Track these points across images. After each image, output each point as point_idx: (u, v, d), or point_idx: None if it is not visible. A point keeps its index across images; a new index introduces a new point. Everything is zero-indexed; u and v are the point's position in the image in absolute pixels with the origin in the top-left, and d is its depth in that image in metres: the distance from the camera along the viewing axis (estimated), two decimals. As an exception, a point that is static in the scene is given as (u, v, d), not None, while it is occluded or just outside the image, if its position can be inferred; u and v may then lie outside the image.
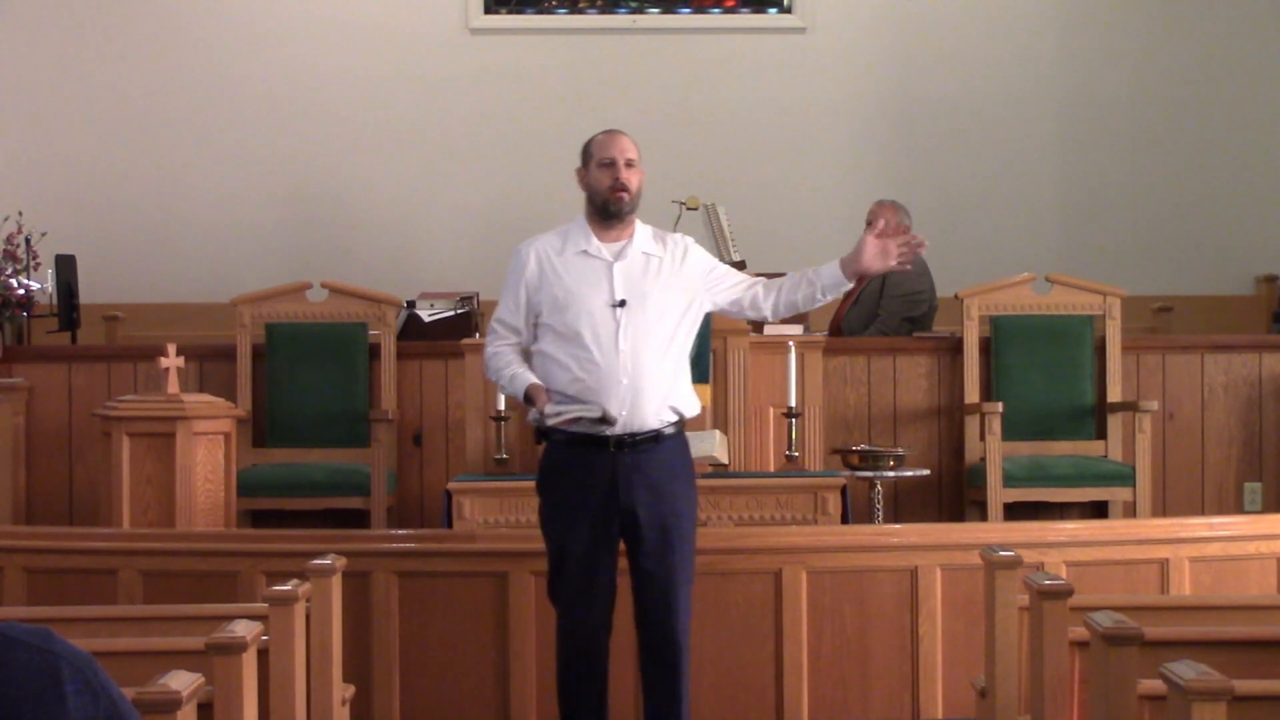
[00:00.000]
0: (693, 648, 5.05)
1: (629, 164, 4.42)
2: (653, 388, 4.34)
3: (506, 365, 4.44)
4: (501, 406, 5.74)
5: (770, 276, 7.03)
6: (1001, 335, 7.06)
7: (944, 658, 5.15)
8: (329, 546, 4.68)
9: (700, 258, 4.52)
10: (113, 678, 1.75)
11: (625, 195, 4.40)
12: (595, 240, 4.43)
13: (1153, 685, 3.12)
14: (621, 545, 4.41)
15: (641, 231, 4.49)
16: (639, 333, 4.34)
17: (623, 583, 4.44)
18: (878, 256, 4.45)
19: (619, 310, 4.34)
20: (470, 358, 6.11)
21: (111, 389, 6.93)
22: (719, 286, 4.52)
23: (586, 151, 4.49)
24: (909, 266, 4.57)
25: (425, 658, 5.12)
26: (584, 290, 4.37)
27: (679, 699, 4.36)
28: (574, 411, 4.29)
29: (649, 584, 4.35)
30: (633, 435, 4.33)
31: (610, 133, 4.51)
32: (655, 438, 4.36)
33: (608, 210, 4.41)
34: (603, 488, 4.32)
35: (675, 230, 6.35)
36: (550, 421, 4.30)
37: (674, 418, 4.41)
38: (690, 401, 4.48)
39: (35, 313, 7.50)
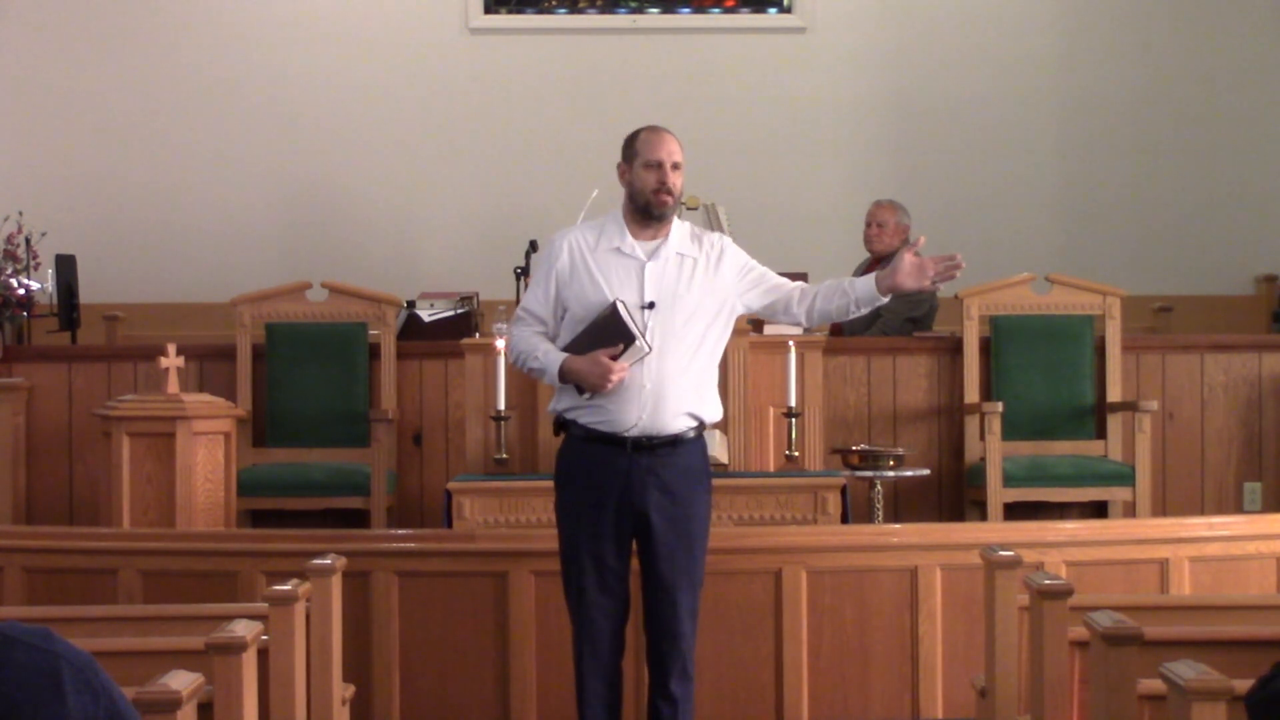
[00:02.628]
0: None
1: (675, 166, 4.36)
2: (675, 393, 4.30)
3: (536, 348, 4.37)
4: (501, 406, 5.73)
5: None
6: (1001, 335, 7.06)
7: (944, 658, 5.15)
8: (329, 546, 4.68)
9: (735, 259, 4.44)
10: (113, 678, 1.75)
11: (669, 200, 4.35)
12: (630, 238, 4.38)
13: (1153, 685, 3.12)
14: (634, 546, 4.39)
15: (678, 231, 4.43)
16: (665, 336, 4.30)
17: (635, 585, 4.43)
18: (913, 275, 4.37)
19: (647, 312, 4.30)
20: (470, 358, 6.11)
21: (111, 389, 6.93)
22: (755, 289, 4.46)
23: (630, 148, 4.42)
24: (939, 287, 4.53)
25: (425, 658, 5.12)
26: (614, 289, 4.32)
27: (679, 700, 4.34)
28: (626, 361, 4.24)
29: (658, 587, 4.33)
30: (650, 439, 4.30)
31: (657, 131, 4.43)
32: (673, 442, 4.32)
33: (649, 212, 4.36)
34: (616, 488, 4.30)
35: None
36: (615, 378, 4.23)
37: (694, 423, 4.37)
38: (714, 407, 4.43)
39: (35, 313, 7.50)
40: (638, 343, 4.24)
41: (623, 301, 4.29)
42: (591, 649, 4.33)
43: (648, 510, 4.30)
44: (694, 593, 4.36)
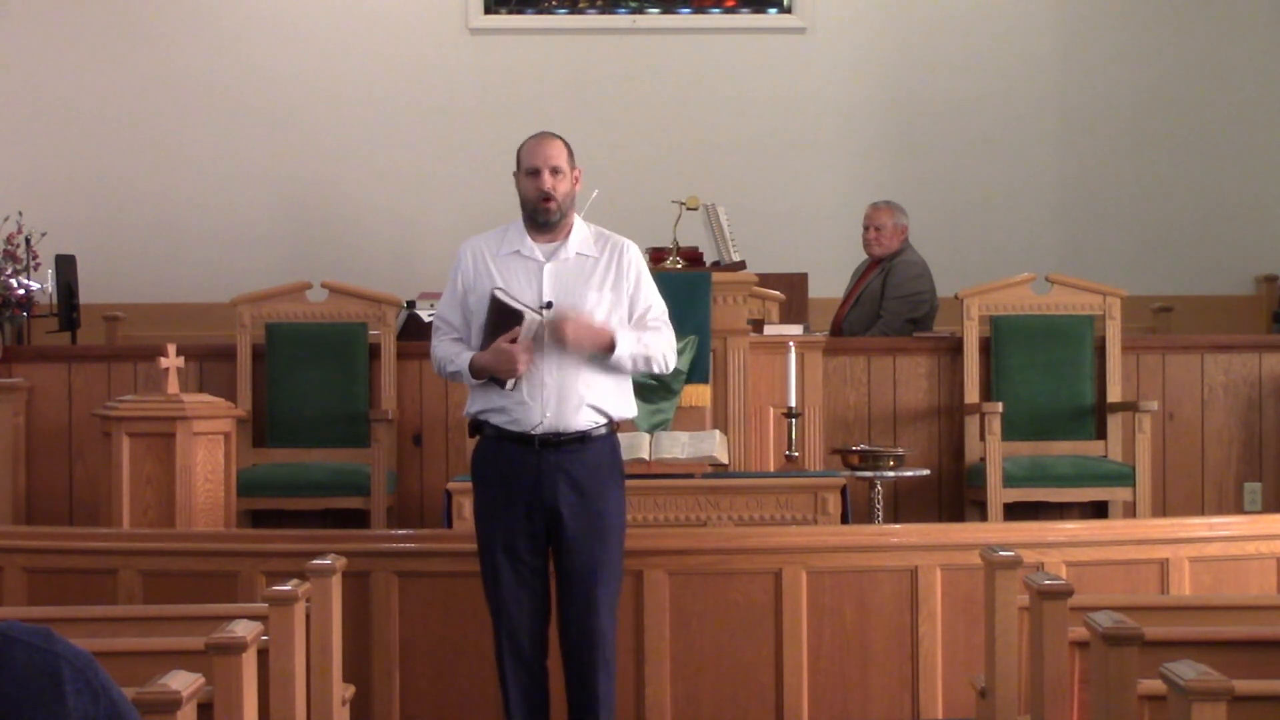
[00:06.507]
0: (693, 648, 5.07)
1: (555, 171, 4.43)
2: (578, 389, 4.38)
3: (450, 352, 4.49)
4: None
5: (769, 276, 7.05)
6: (1001, 335, 7.05)
7: (944, 658, 5.15)
8: (329, 546, 4.68)
9: (632, 268, 4.49)
10: (113, 678, 1.75)
11: (552, 205, 4.43)
12: (529, 241, 4.48)
13: (1153, 685, 3.12)
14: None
15: (580, 232, 4.51)
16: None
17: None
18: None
19: (545, 312, 4.37)
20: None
21: (111, 389, 6.93)
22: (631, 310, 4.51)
23: (518, 157, 4.52)
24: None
25: (425, 658, 5.12)
26: (513, 290, 4.40)
27: (600, 696, 4.39)
28: (524, 337, 4.29)
29: (572, 581, 4.40)
30: (558, 435, 4.38)
31: (539, 138, 4.51)
32: (581, 438, 4.41)
33: (535, 219, 4.46)
34: (527, 485, 4.38)
35: (675, 229, 6.39)
36: (521, 356, 4.29)
37: (602, 420, 4.44)
38: (622, 403, 4.50)
39: (35, 313, 7.49)
40: (527, 316, 4.32)
41: (499, 288, 4.37)
42: (513, 647, 4.41)
43: (558, 506, 4.38)
44: (610, 586, 4.43)
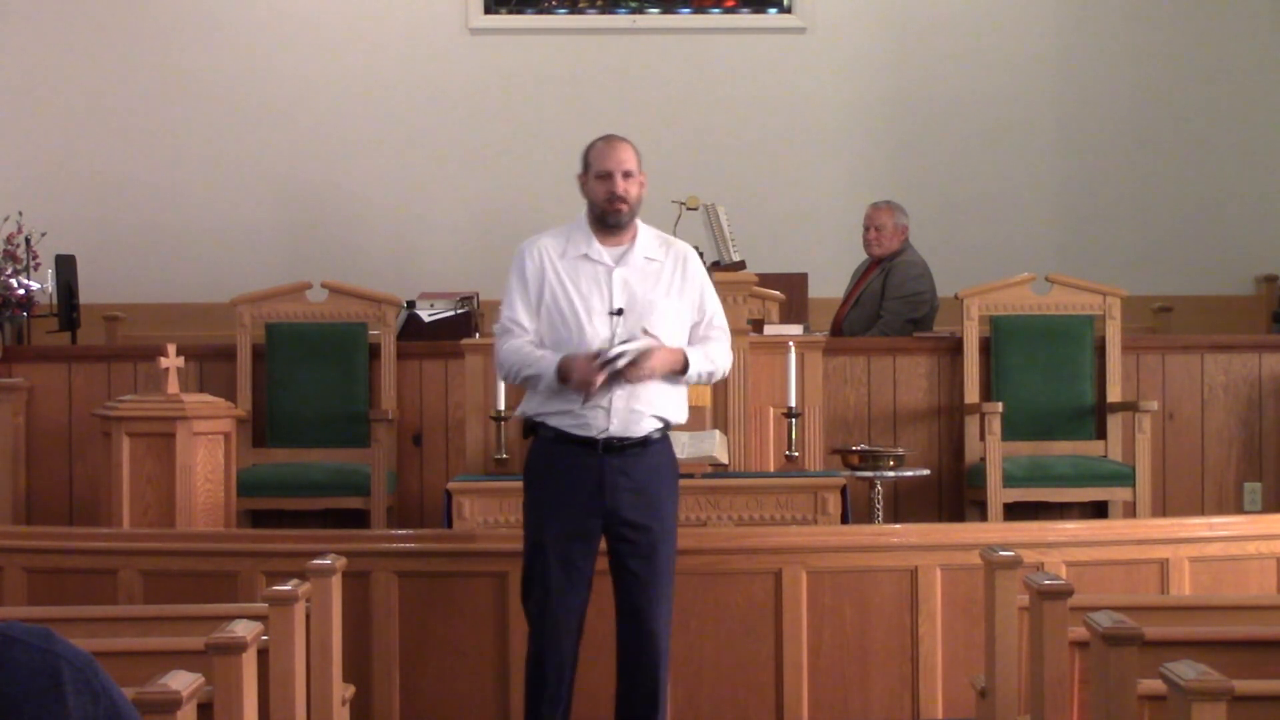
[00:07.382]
0: (693, 648, 5.08)
1: (627, 175, 4.45)
2: (646, 397, 4.40)
3: (530, 355, 4.42)
4: (501, 406, 5.73)
5: (769, 276, 7.05)
6: (1001, 335, 7.06)
7: (944, 658, 5.15)
8: (329, 546, 4.68)
9: (697, 274, 4.55)
10: (113, 678, 1.75)
11: (624, 208, 4.45)
12: (596, 244, 4.47)
13: (1153, 685, 3.12)
14: (602, 546, 4.46)
15: (644, 234, 4.53)
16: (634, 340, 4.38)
17: (601, 584, 4.49)
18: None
19: (616, 319, 4.38)
20: (470, 358, 6.10)
21: (111, 389, 6.93)
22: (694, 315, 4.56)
23: (586, 159, 4.52)
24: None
25: (425, 658, 5.12)
26: (583, 296, 4.41)
27: (662, 698, 4.42)
28: (625, 351, 4.28)
29: (635, 583, 4.41)
30: (622, 440, 4.39)
31: (609, 141, 4.52)
32: (643, 442, 4.42)
33: (606, 221, 4.47)
34: (589, 488, 4.38)
35: (675, 229, 6.38)
36: (621, 362, 4.26)
37: (661, 425, 4.47)
38: (680, 407, 4.53)
39: (35, 313, 7.49)
40: (635, 344, 4.32)
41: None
42: (555, 652, 4.40)
43: (619, 509, 4.38)
44: (667, 589, 4.45)
